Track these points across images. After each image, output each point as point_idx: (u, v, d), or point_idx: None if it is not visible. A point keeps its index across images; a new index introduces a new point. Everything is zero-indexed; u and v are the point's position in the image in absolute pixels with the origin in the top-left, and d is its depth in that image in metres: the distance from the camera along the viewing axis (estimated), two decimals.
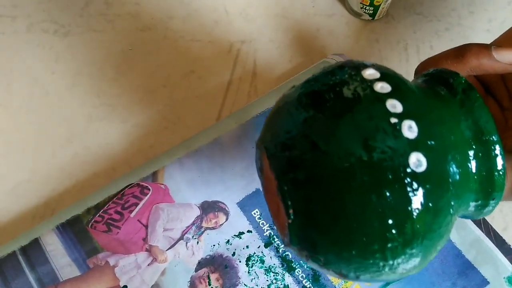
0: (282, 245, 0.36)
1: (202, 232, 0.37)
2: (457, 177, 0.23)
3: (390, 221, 0.21)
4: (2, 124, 0.42)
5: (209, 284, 0.35)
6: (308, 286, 0.35)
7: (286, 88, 0.41)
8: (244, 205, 0.37)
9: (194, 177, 0.38)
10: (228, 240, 0.37)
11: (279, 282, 0.35)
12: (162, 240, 0.36)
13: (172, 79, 0.44)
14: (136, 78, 0.44)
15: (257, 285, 0.35)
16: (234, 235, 0.37)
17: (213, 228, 0.37)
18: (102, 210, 0.37)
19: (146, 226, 0.37)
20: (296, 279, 0.35)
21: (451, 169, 0.22)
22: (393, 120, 0.21)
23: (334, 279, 0.35)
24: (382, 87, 0.23)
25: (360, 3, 0.43)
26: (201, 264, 0.36)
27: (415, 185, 0.21)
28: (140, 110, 0.42)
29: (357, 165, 0.21)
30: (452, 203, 0.22)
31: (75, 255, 0.36)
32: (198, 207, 0.37)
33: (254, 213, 0.37)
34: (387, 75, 0.23)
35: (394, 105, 0.22)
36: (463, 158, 0.23)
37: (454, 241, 0.36)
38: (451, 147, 0.23)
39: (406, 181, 0.21)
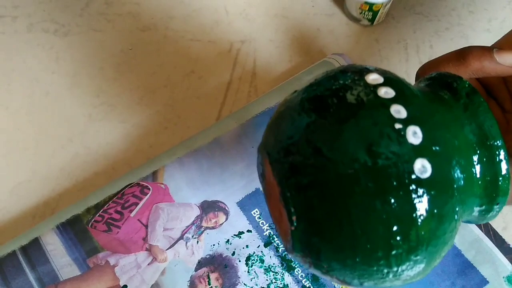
0: (282, 246, 0.36)
1: (202, 232, 0.37)
2: (462, 182, 0.23)
3: (395, 228, 0.21)
4: (2, 124, 0.42)
5: (209, 284, 0.35)
6: (307, 285, 0.35)
7: (286, 87, 0.41)
8: (244, 205, 0.37)
9: (194, 177, 0.38)
10: (228, 240, 0.37)
11: (278, 282, 0.35)
12: (162, 239, 0.36)
13: (172, 79, 0.44)
14: (136, 78, 0.44)
15: (256, 285, 0.35)
16: (234, 235, 0.37)
17: (213, 228, 0.37)
18: (102, 210, 0.37)
19: (146, 226, 0.37)
20: (296, 278, 0.36)
21: (455, 174, 0.22)
22: (398, 126, 0.21)
23: None
24: (386, 92, 0.22)
25: (359, 8, 0.43)
26: (201, 264, 0.36)
27: (420, 192, 0.21)
28: (140, 110, 0.42)
29: (361, 171, 0.21)
30: (457, 208, 0.22)
31: (75, 254, 0.36)
32: (198, 206, 0.37)
33: (254, 213, 0.37)
34: (390, 79, 0.23)
35: (398, 111, 0.22)
36: (468, 163, 0.23)
37: None
38: (456, 152, 0.22)
39: (411, 188, 0.21)
